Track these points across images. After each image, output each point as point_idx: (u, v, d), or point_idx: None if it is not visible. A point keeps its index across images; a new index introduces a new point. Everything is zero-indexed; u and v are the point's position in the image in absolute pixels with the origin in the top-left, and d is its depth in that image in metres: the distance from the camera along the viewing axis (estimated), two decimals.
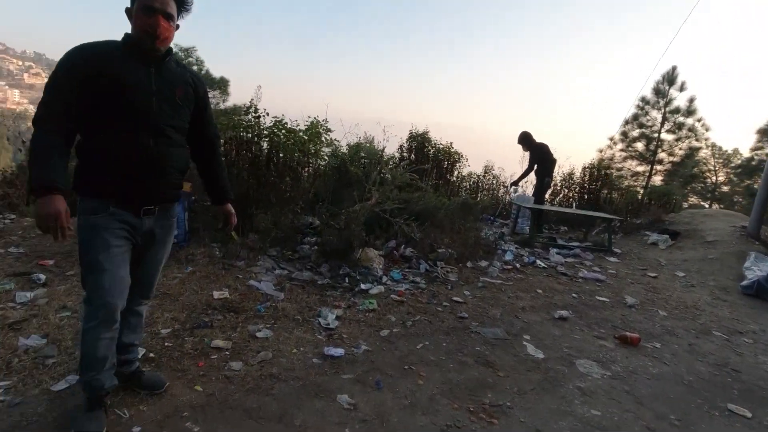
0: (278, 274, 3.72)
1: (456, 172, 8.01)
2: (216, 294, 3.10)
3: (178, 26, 1.65)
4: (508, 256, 5.03)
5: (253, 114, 4.59)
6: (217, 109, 15.45)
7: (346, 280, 3.73)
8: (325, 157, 6.03)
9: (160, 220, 1.73)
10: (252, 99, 4.67)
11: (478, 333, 2.97)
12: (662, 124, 13.44)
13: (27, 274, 3.09)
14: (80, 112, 1.49)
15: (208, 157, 1.95)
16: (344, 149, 6.58)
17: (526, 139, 6.64)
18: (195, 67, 15.56)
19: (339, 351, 2.56)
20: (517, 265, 4.80)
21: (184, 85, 1.69)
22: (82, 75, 1.46)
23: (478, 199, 8.04)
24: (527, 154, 6.69)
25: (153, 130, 1.58)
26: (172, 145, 1.65)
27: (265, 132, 4.51)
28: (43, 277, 3.08)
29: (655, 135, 13.56)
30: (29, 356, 2.16)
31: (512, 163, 9.61)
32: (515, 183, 7.30)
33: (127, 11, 1.58)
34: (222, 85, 16.80)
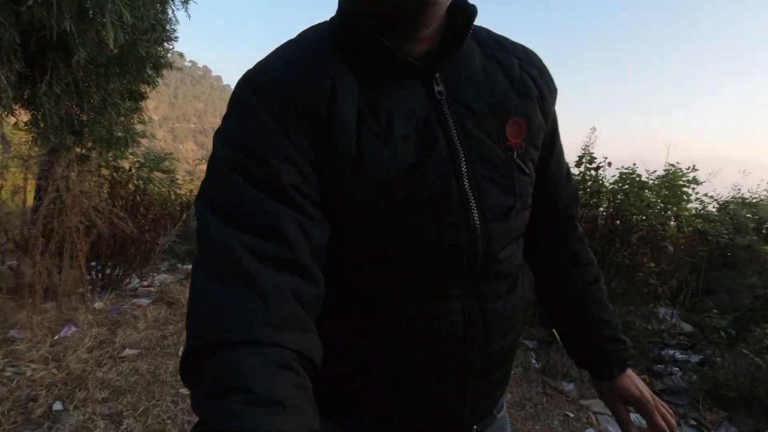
0: (634, 419, 2.27)
1: None
2: None
3: None
4: None
5: (587, 164, 3.39)
6: None
7: None
8: (684, 223, 4.16)
9: None
10: (586, 145, 3.49)
11: None
12: None
13: None
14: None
15: (565, 263, 0.75)
16: (710, 208, 4.50)
17: None
18: None
19: None
20: None
21: (518, 103, 0.58)
22: (279, 148, 0.48)
23: None
24: None
25: (471, 275, 0.56)
26: (506, 291, 0.61)
27: (605, 189, 3.23)
28: None
29: None
30: None
31: None
32: None
33: None
34: None
